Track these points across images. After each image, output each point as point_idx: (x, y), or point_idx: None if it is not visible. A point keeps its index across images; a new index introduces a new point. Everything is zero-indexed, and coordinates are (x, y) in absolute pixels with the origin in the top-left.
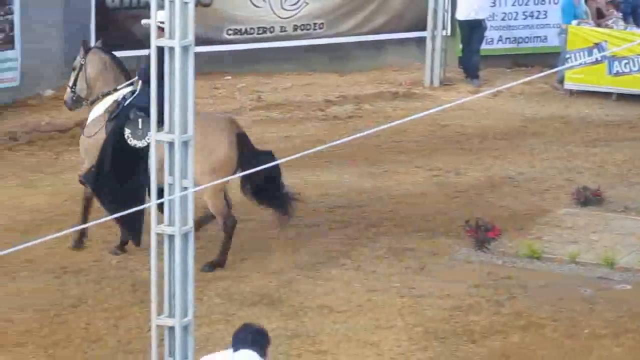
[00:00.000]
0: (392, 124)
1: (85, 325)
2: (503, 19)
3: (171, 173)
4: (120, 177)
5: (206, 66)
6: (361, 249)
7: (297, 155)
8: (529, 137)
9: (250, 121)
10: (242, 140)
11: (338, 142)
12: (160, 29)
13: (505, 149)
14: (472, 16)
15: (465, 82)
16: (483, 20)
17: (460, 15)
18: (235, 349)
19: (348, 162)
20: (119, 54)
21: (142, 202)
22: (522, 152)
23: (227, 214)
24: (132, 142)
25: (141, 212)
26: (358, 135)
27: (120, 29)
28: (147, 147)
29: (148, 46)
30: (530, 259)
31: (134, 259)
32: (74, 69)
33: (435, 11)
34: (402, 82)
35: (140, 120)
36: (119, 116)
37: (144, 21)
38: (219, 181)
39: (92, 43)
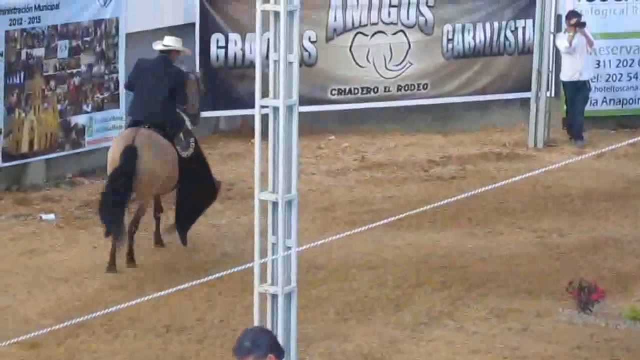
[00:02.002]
0: (496, 184)
1: None
2: (607, 80)
3: (274, 232)
4: None
5: (310, 126)
6: (464, 309)
7: (401, 216)
8: (632, 198)
9: (353, 181)
10: (125, 153)
11: (441, 202)
12: (174, 51)
13: (608, 211)
14: (576, 77)
15: (569, 143)
16: (587, 81)
17: (565, 76)
18: None
19: (451, 222)
20: (223, 112)
21: None
22: (626, 213)
23: (141, 215)
24: None
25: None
26: (461, 195)
27: (224, 88)
28: None
29: (252, 105)
30: (634, 321)
31: (237, 318)
32: None
33: (539, 72)
34: (506, 143)
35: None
36: None
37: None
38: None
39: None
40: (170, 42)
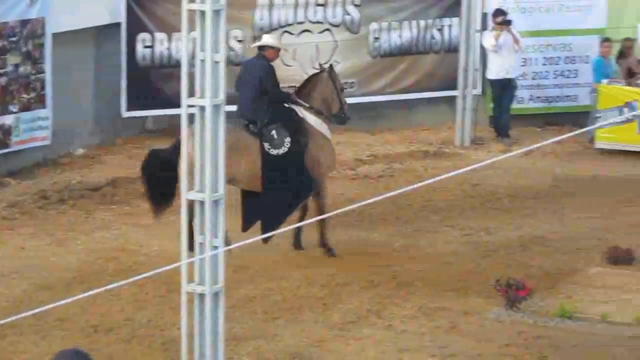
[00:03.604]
0: (423, 183)
1: None
2: (534, 78)
3: (202, 232)
4: None
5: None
6: (392, 308)
7: (328, 215)
8: (560, 196)
9: None
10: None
11: (369, 201)
12: (270, 48)
13: (536, 208)
14: (502, 75)
15: (496, 141)
16: (514, 79)
17: (491, 74)
18: None
19: (379, 221)
20: (150, 112)
21: None
22: (553, 211)
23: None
24: None
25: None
26: (389, 194)
27: (151, 87)
28: None
29: (179, 105)
30: (562, 318)
31: (165, 317)
32: None
33: (465, 70)
34: (433, 142)
35: None
36: None
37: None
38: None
39: (124, 102)
40: (266, 39)
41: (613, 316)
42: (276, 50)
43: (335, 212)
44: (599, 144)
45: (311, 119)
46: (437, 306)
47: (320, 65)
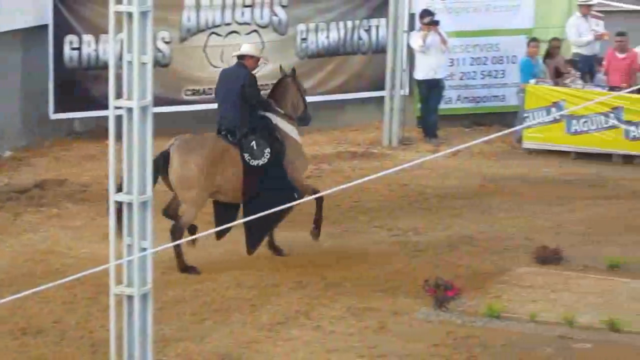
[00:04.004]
0: (351, 183)
1: None
2: (461, 79)
3: (130, 234)
4: None
5: (165, 127)
6: (321, 308)
7: (257, 216)
8: (488, 196)
9: None
10: (156, 159)
11: (297, 202)
12: (250, 57)
13: (464, 208)
14: (430, 75)
15: (424, 142)
16: (441, 79)
17: (419, 74)
18: None
19: (307, 221)
20: (78, 114)
21: None
22: (482, 211)
23: (184, 221)
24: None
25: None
26: (317, 195)
27: (79, 89)
28: None
29: (107, 106)
30: (490, 318)
31: (94, 319)
32: None
33: (393, 71)
34: (361, 142)
35: None
36: None
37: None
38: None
39: (51, 104)
40: (245, 48)
41: (541, 315)
42: (255, 59)
43: (263, 213)
44: (527, 144)
45: (284, 125)
46: (365, 306)
47: (282, 68)
